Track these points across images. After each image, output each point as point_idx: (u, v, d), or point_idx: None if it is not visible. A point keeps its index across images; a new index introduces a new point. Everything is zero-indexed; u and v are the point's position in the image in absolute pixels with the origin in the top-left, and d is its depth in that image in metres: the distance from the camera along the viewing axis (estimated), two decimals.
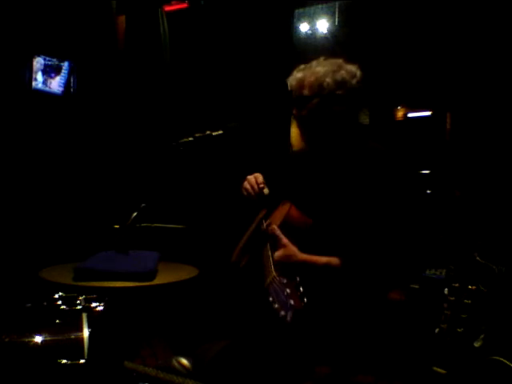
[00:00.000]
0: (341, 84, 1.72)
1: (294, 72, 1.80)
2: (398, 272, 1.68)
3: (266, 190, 1.92)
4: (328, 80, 1.71)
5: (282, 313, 1.28)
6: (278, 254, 1.64)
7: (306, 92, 1.73)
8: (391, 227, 1.64)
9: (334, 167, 1.79)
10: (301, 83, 1.75)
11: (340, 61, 1.77)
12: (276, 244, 1.67)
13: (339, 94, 1.72)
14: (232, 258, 1.93)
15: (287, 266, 1.59)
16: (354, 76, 1.74)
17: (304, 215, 1.74)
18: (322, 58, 1.79)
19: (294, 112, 1.80)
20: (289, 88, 1.79)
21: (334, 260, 1.63)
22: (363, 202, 1.65)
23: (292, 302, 1.27)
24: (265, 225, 1.86)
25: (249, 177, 1.98)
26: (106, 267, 1.58)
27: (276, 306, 1.32)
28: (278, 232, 1.65)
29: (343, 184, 1.73)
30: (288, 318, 1.26)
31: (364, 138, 1.82)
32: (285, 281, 1.36)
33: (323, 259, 1.64)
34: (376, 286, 1.67)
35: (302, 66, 1.79)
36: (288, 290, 1.32)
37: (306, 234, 1.71)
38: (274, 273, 1.47)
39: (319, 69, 1.74)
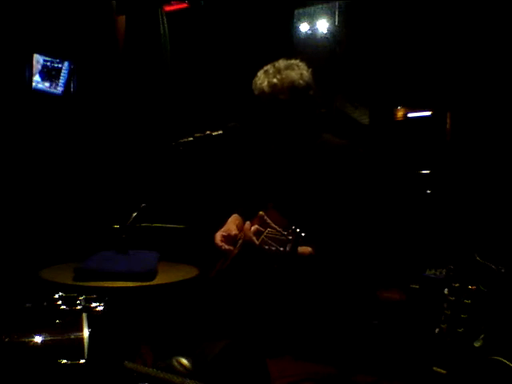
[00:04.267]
0: (310, 85, 1.84)
1: (262, 76, 1.85)
2: (370, 260, 1.71)
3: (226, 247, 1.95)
4: (302, 83, 1.81)
5: (281, 249, 1.39)
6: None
7: (282, 96, 1.80)
8: (353, 219, 1.70)
9: (297, 163, 1.87)
10: (275, 88, 1.80)
11: (298, 62, 1.87)
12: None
13: (311, 94, 1.84)
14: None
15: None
16: (310, 75, 1.86)
17: (280, 216, 1.77)
18: (281, 60, 1.86)
19: (266, 115, 1.85)
20: (258, 92, 1.84)
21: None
22: (323, 196, 1.74)
23: (290, 237, 1.38)
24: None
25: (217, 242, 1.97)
26: (106, 267, 1.58)
27: (273, 248, 1.41)
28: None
29: (305, 180, 1.81)
30: (287, 249, 1.38)
31: (319, 130, 1.90)
32: (281, 230, 1.44)
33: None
34: (352, 278, 1.70)
35: (271, 70, 1.84)
36: (285, 232, 1.41)
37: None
38: (267, 230, 1.53)
39: (291, 73, 1.82)
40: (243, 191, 2.17)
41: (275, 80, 1.81)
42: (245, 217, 2.10)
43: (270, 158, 2.00)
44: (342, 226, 1.68)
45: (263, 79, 1.83)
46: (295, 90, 1.80)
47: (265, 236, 1.50)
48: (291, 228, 1.42)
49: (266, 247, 1.45)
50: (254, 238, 1.56)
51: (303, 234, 1.40)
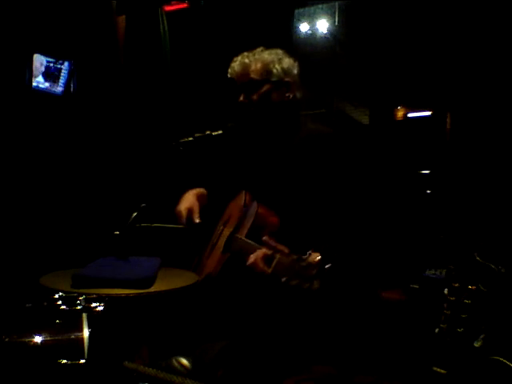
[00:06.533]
0: (287, 72, 1.82)
1: (237, 58, 1.85)
2: (364, 263, 1.67)
3: (196, 220, 1.93)
4: (276, 67, 1.80)
5: (306, 284, 1.23)
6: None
7: (254, 76, 1.80)
8: (340, 219, 1.63)
9: (279, 155, 1.83)
10: (247, 69, 1.81)
11: (280, 51, 1.86)
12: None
13: (287, 81, 1.81)
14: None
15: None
16: (294, 66, 1.85)
17: (272, 214, 1.71)
18: (260, 48, 1.87)
19: (240, 98, 1.84)
20: (231, 74, 1.85)
21: None
22: (309, 193, 1.68)
23: (314, 270, 1.23)
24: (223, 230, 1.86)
25: (181, 208, 1.98)
26: (103, 274, 1.56)
27: (294, 282, 1.24)
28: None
29: (284, 174, 1.76)
30: (315, 285, 1.23)
31: (298, 120, 1.86)
32: (293, 255, 1.27)
33: None
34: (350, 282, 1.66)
35: (245, 54, 1.85)
36: (303, 263, 1.25)
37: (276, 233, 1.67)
38: (278, 254, 1.34)
39: (265, 56, 1.82)
40: (223, 181, 2.15)
41: (247, 60, 1.81)
42: (213, 200, 2.07)
43: (253, 152, 1.98)
44: (331, 227, 1.62)
45: (236, 60, 1.85)
46: (268, 72, 1.79)
47: (278, 264, 1.32)
48: (305, 253, 1.25)
49: (283, 279, 1.26)
50: (266, 267, 1.41)
51: (327, 266, 1.24)
